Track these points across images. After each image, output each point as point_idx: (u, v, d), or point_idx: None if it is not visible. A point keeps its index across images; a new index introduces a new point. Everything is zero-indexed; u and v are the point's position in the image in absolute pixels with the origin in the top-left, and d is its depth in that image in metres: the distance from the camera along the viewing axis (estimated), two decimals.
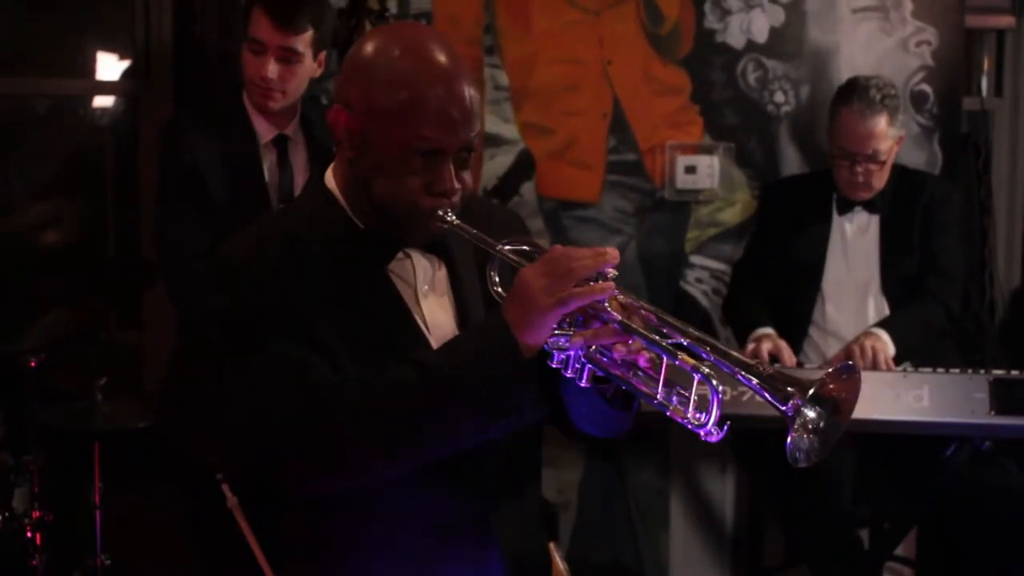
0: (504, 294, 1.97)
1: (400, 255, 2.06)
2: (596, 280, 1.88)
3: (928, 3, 4.45)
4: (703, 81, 4.40)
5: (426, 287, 2.08)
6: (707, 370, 1.81)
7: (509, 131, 4.31)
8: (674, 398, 1.86)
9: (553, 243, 4.36)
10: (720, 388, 1.80)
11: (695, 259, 4.45)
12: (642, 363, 1.87)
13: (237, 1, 3.92)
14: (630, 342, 1.86)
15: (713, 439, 1.83)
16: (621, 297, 1.88)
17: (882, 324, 3.86)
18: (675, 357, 1.82)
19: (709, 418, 1.81)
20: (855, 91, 3.89)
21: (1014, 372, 3.65)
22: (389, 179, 1.97)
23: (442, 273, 2.11)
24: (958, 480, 3.77)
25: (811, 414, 1.79)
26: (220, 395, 1.99)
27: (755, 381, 1.79)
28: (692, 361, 1.82)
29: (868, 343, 3.75)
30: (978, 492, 3.77)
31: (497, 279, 2.02)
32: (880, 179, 3.92)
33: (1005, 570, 3.84)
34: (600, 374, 1.90)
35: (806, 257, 3.99)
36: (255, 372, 1.94)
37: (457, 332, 2.06)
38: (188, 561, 3.63)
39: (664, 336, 1.85)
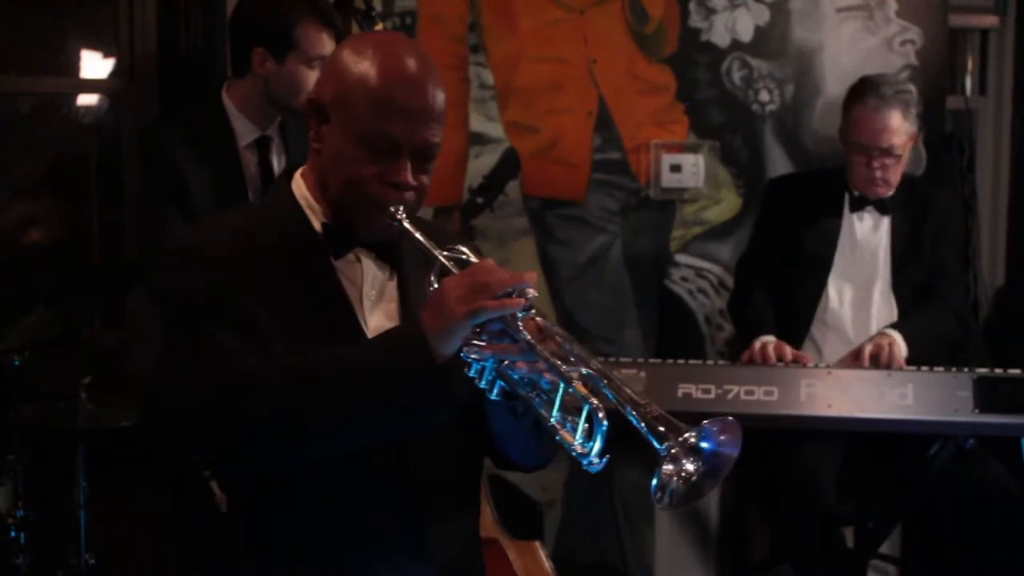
0: None
1: (351, 257, 2.13)
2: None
3: (912, 2, 4.47)
4: (688, 80, 4.40)
5: (373, 292, 2.14)
6: (595, 403, 1.86)
7: (494, 130, 4.31)
8: (568, 424, 1.92)
9: (539, 243, 4.39)
10: (604, 422, 1.85)
11: (680, 258, 4.45)
12: (544, 384, 1.94)
13: (222, 0, 3.93)
14: (534, 362, 1.92)
15: (593, 469, 1.89)
16: (540, 320, 1.96)
17: (896, 327, 3.88)
18: (569, 384, 1.89)
19: (593, 447, 1.87)
20: (867, 88, 3.90)
21: (998, 370, 3.66)
22: (346, 165, 2.06)
23: (392, 283, 2.17)
24: (942, 478, 3.78)
25: (686, 463, 1.84)
26: (159, 375, 2.07)
27: (639, 420, 1.84)
28: (584, 391, 1.88)
29: (884, 343, 3.77)
30: (962, 490, 3.78)
31: (436, 286, 2.06)
32: (896, 175, 3.93)
33: (990, 567, 3.85)
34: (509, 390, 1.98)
35: (816, 251, 3.99)
36: (186, 354, 2.01)
37: None
38: (173, 560, 3.63)
39: (570, 363, 1.91)
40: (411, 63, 2.06)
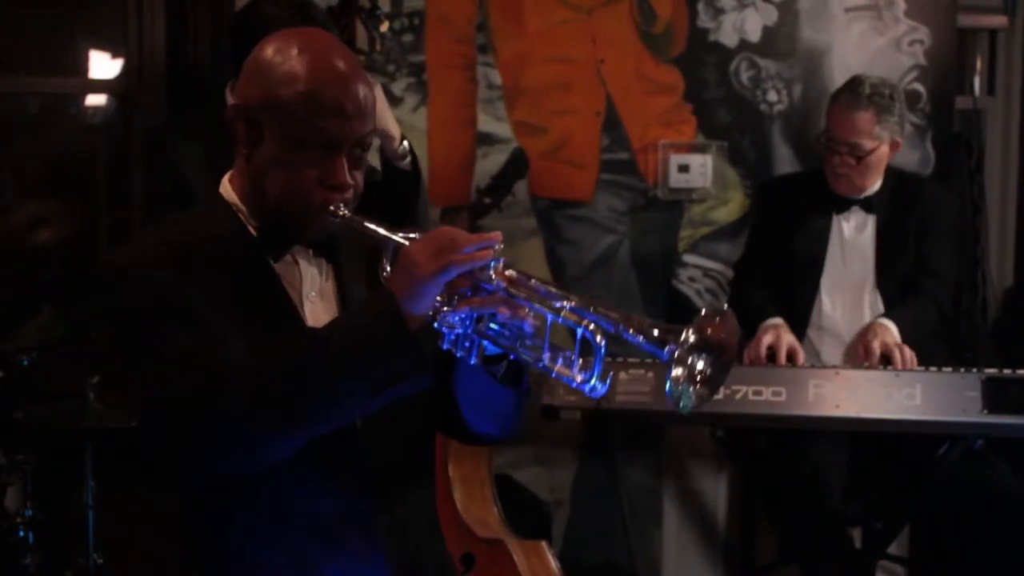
0: None
1: (288, 259, 2.11)
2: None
3: (921, 2, 4.46)
4: (696, 80, 4.40)
5: (313, 293, 2.13)
6: (591, 326, 1.86)
7: (502, 130, 4.31)
8: (559, 360, 1.93)
9: (547, 243, 4.39)
10: (602, 342, 1.85)
11: (688, 258, 4.45)
12: (528, 329, 1.94)
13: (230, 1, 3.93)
14: (517, 308, 1.92)
15: (598, 393, 1.89)
16: (508, 272, 1.94)
17: (886, 316, 3.87)
18: (558, 315, 1.89)
19: (593, 373, 1.88)
20: (848, 86, 3.92)
21: (1006, 371, 3.65)
22: (283, 171, 2.03)
23: (330, 283, 2.16)
24: (951, 479, 3.77)
25: (694, 360, 1.85)
26: (122, 389, 2.05)
27: (635, 334, 1.85)
28: (574, 317, 1.88)
29: (890, 341, 3.76)
30: (971, 491, 3.77)
31: (388, 269, 2.05)
32: (862, 177, 3.92)
33: (998, 568, 3.85)
34: (488, 353, 1.98)
35: (806, 254, 4.00)
36: (150, 362, 1.97)
37: None
38: (179, 560, 3.63)
39: (551, 301, 1.92)
40: (337, 59, 2.04)
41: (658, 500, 4.50)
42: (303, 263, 2.12)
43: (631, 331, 1.85)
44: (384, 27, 3.52)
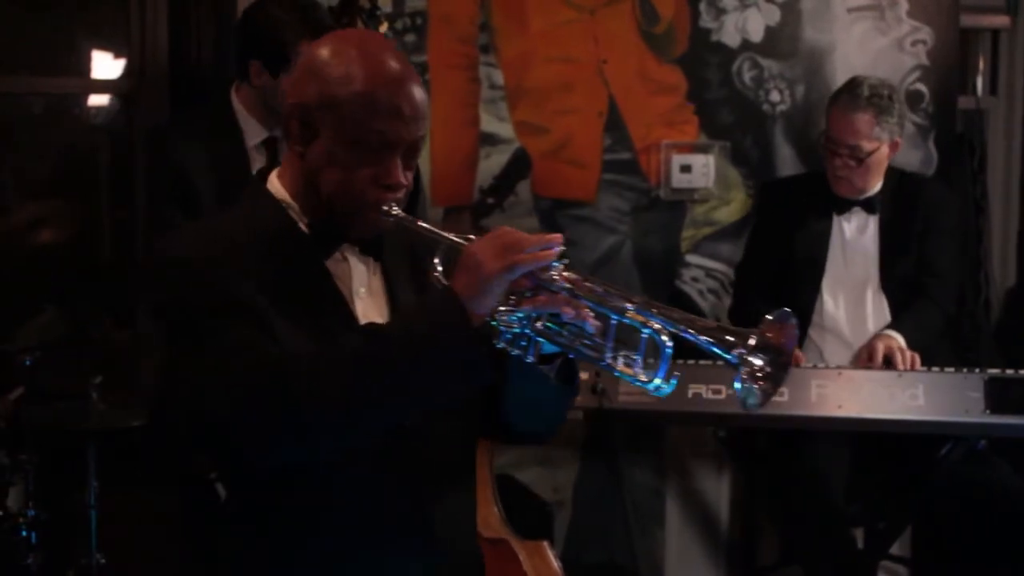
0: (446, 281, 2.06)
1: (338, 256, 2.13)
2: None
3: (923, 2, 4.46)
4: (698, 80, 4.40)
5: (362, 289, 2.15)
6: (657, 325, 1.91)
7: (504, 130, 4.31)
8: (620, 359, 1.96)
9: None
10: (668, 343, 1.90)
11: (691, 258, 4.45)
12: (589, 329, 1.96)
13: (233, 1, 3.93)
14: (580, 308, 1.95)
15: (663, 393, 1.95)
16: (567, 273, 1.97)
17: (892, 327, 3.87)
18: (623, 315, 1.92)
19: (658, 373, 1.93)
20: (847, 87, 3.93)
21: (1009, 371, 3.66)
22: (338, 169, 2.05)
23: (377, 278, 2.18)
24: (953, 479, 3.77)
25: (756, 361, 1.90)
26: (182, 384, 2.03)
27: (701, 336, 1.90)
28: (640, 318, 1.92)
29: (893, 345, 3.76)
30: (973, 491, 3.78)
31: (440, 268, 2.09)
32: (863, 179, 3.92)
33: (1000, 569, 3.85)
34: (543, 352, 2.01)
35: (808, 255, 4.00)
36: (207, 355, 1.98)
37: None
38: (182, 560, 3.63)
39: (613, 302, 1.95)
40: (394, 61, 2.06)
41: (660, 500, 4.50)
42: (353, 260, 2.15)
43: (694, 333, 1.90)
44: (384, 28, 3.52)
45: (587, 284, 1.96)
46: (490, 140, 4.31)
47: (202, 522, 3.50)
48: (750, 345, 1.87)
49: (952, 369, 3.68)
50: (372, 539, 2.08)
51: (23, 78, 4.37)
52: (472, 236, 2.06)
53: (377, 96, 2.02)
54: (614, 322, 1.94)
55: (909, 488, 3.89)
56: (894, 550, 4.25)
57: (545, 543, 3.63)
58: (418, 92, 2.07)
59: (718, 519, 4.55)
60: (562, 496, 4.44)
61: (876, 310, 3.96)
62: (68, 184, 4.48)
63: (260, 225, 2.10)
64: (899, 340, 3.80)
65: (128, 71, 4.26)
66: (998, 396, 3.59)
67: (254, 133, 3.53)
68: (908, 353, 3.75)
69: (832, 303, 3.99)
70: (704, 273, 4.45)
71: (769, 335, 1.90)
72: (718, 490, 4.53)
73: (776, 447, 3.92)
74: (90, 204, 4.47)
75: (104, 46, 4.39)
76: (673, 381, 1.93)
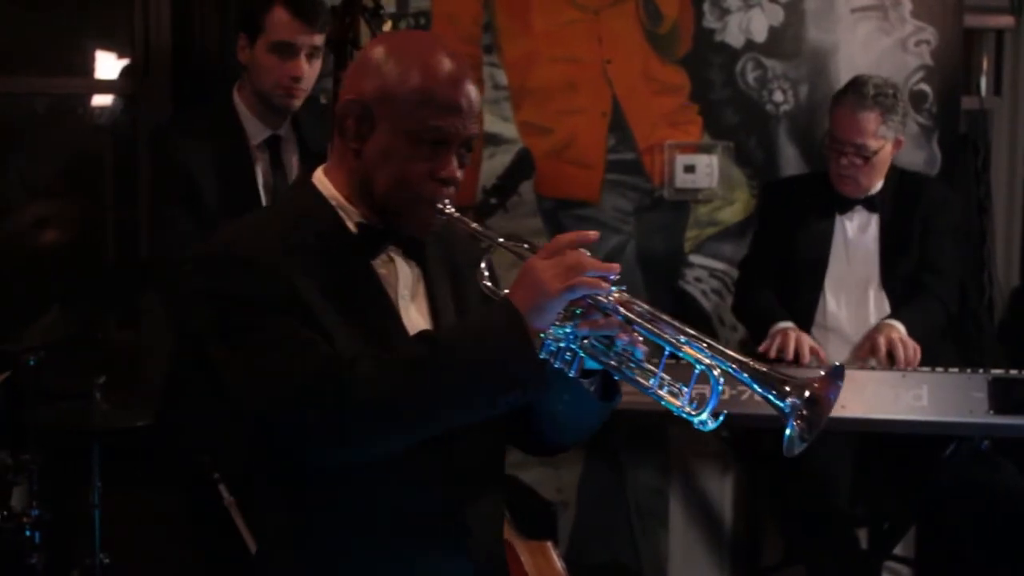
0: (492, 287, 2.12)
1: (385, 257, 2.14)
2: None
3: (927, 3, 4.46)
4: (702, 80, 4.40)
5: (407, 292, 2.16)
6: (708, 361, 1.94)
7: (508, 130, 4.31)
8: (665, 388, 2.01)
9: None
10: (721, 380, 1.93)
11: (694, 258, 4.45)
12: (639, 354, 2.01)
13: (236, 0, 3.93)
14: (633, 334, 1.99)
15: (707, 428, 1.98)
16: (617, 294, 2.00)
17: (896, 317, 3.87)
18: (679, 349, 1.96)
19: (705, 409, 1.96)
20: (851, 86, 3.92)
21: (1013, 372, 3.65)
22: (396, 164, 2.08)
23: (420, 284, 2.19)
24: (957, 479, 3.77)
25: (804, 410, 1.95)
26: (227, 378, 2.04)
27: (756, 383, 1.94)
28: (695, 353, 1.95)
29: (894, 336, 3.76)
30: (977, 491, 3.77)
31: (487, 273, 2.13)
32: (868, 177, 3.92)
33: (1004, 569, 3.84)
34: (586, 368, 2.04)
35: (810, 255, 4.00)
36: (262, 350, 2.00)
37: None
38: (186, 560, 3.63)
39: (667, 332, 1.99)
40: (451, 59, 2.09)
41: (664, 500, 4.50)
42: (399, 261, 2.16)
43: (749, 376, 1.94)
44: (387, 27, 3.52)
45: (637, 308, 1.99)
46: (494, 140, 4.31)
47: (205, 521, 3.51)
48: (805, 397, 1.92)
49: (956, 369, 3.68)
50: (409, 539, 2.09)
51: (27, 78, 4.38)
52: (526, 244, 2.08)
53: (435, 92, 2.05)
54: (667, 353, 1.97)
55: (913, 488, 3.88)
56: (898, 550, 4.25)
57: (549, 543, 3.62)
58: (473, 90, 2.10)
59: (722, 519, 4.54)
60: (566, 496, 4.44)
61: (878, 309, 3.96)
62: (72, 184, 4.49)
63: (309, 224, 2.11)
64: (900, 329, 3.79)
65: (131, 71, 4.27)
66: (1002, 396, 3.59)
67: (257, 132, 3.53)
68: (909, 343, 3.74)
69: (834, 302, 3.99)
70: (708, 273, 4.45)
71: (817, 387, 1.94)
72: (722, 490, 4.53)
73: (779, 446, 3.91)
74: (94, 204, 4.48)
75: (108, 46, 4.39)
76: (721, 418, 1.96)
